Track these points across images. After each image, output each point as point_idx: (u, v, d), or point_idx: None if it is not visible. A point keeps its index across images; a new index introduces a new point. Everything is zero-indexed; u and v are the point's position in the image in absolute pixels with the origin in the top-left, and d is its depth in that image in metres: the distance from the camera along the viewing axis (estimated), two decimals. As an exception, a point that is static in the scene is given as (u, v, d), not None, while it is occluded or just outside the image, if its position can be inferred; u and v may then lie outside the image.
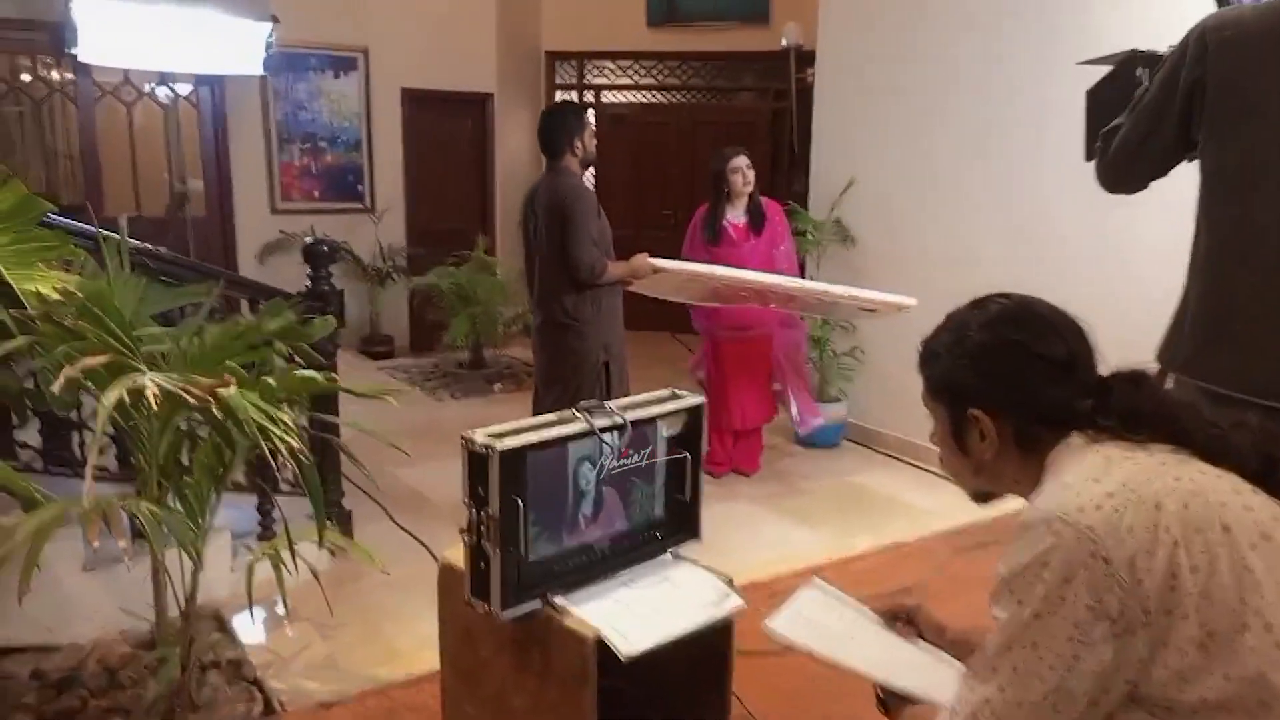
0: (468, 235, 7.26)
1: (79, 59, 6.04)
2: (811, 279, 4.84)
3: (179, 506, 2.20)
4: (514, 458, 1.56)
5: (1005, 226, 4.43)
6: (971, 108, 4.53)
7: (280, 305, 2.36)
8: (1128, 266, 3.88)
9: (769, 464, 4.70)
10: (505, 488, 1.55)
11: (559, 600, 1.60)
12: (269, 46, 6.63)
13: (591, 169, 8.93)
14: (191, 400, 1.58)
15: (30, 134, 7.06)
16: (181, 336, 2.22)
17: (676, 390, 1.91)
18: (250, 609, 2.30)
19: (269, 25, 6.55)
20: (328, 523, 3.47)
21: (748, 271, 3.81)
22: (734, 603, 1.67)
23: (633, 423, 1.71)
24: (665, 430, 1.84)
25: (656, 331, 7.04)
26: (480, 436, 1.54)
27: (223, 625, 2.84)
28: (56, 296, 1.74)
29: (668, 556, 1.83)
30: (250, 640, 2.82)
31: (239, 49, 6.53)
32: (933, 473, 4.32)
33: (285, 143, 7.45)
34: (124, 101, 6.89)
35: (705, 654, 1.80)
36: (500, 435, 1.57)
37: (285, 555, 2.38)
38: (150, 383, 1.57)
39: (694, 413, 1.87)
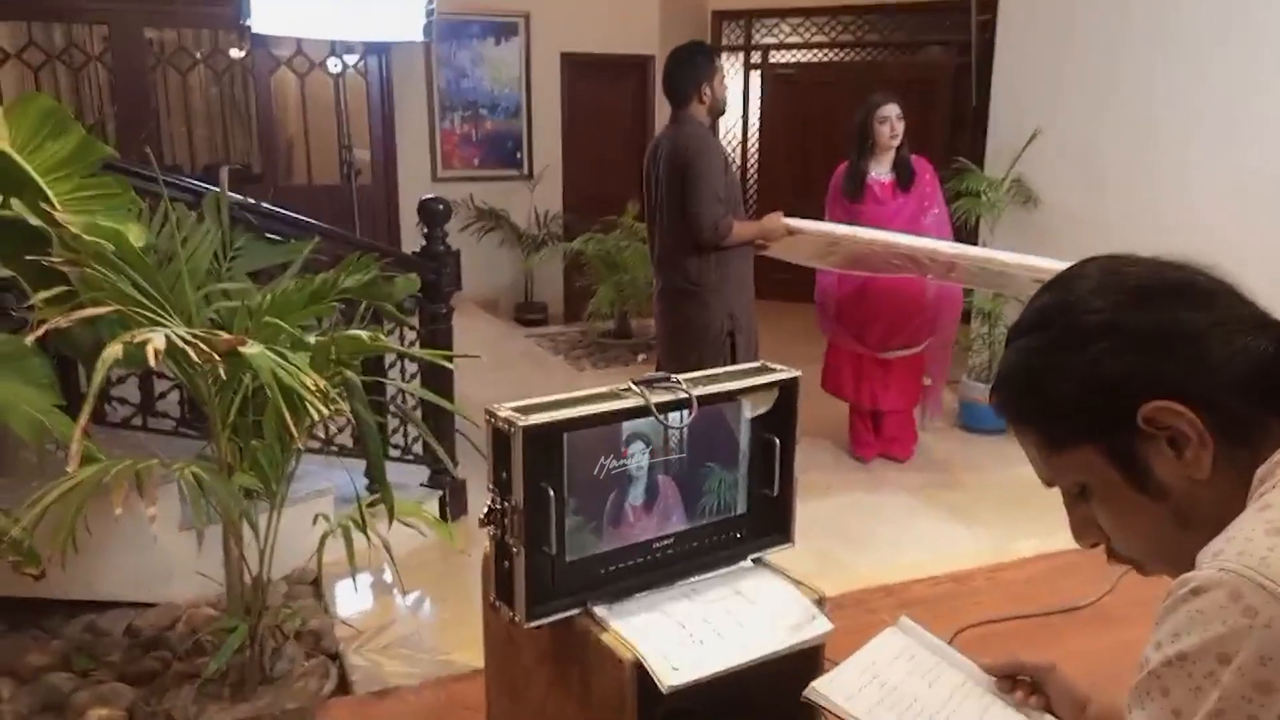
0: (626, 202, 7.09)
1: (252, 30, 6.25)
2: (984, 245, 4.30)
3: (248, 470, 2.07)
4: (544, 437, 1.28)
5: (1227, 182, 3.74)
6: (1187, 39, 3.85)
7: (363, 262, 2.19)
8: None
9: (926, 450, 4.24)
10: (532, 473, 1.27)
11: (599, 611, 1.31)
12: (430, 12, 6.65)
13: (756, 132, 8.54)
14: (195, 357, 1.42)
15: (215, 107, 7.44)
16: (262, 294, 2.10)
17: (768, 363, 1.57)
18: (319, 580, 2.17)
19: (430, -10, 6.55)
20: (436, 493, 3.37)
21: (899, 235, 3.36)
22: (819, 628, 1.34)
23: (702, 398, 1.39)
24: (750, 410, 1.50)
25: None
26: (505, 410, 1.26)
27: (319, 592, 2.76)
28: (95, 240, 1.63)
29: (747, 563, 1.50)
30: (347, 610, 2.73)
31: (401, 15, 6.57)
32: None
33: (447, 110, 7.50)
34: (297, 73, 7.12)
35: (790, 676, 1.46)
36: (530, 409, 1.29)
37: (379, 524, 2.25)
38: (159, 337, 1.42)
39: (787, 389, 1.52)
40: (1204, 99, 3.80)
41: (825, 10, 8.14)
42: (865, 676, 1.06)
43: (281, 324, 1.70)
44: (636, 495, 1.41)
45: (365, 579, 2.91)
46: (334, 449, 3.01)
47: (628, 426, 1.39)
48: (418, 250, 3.21)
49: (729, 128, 8.39)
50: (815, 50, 8.36)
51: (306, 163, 7.38)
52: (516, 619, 1.31)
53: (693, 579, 1.46)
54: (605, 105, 7.88)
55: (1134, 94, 4.07)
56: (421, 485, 3.36)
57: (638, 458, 1.40)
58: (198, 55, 6.87)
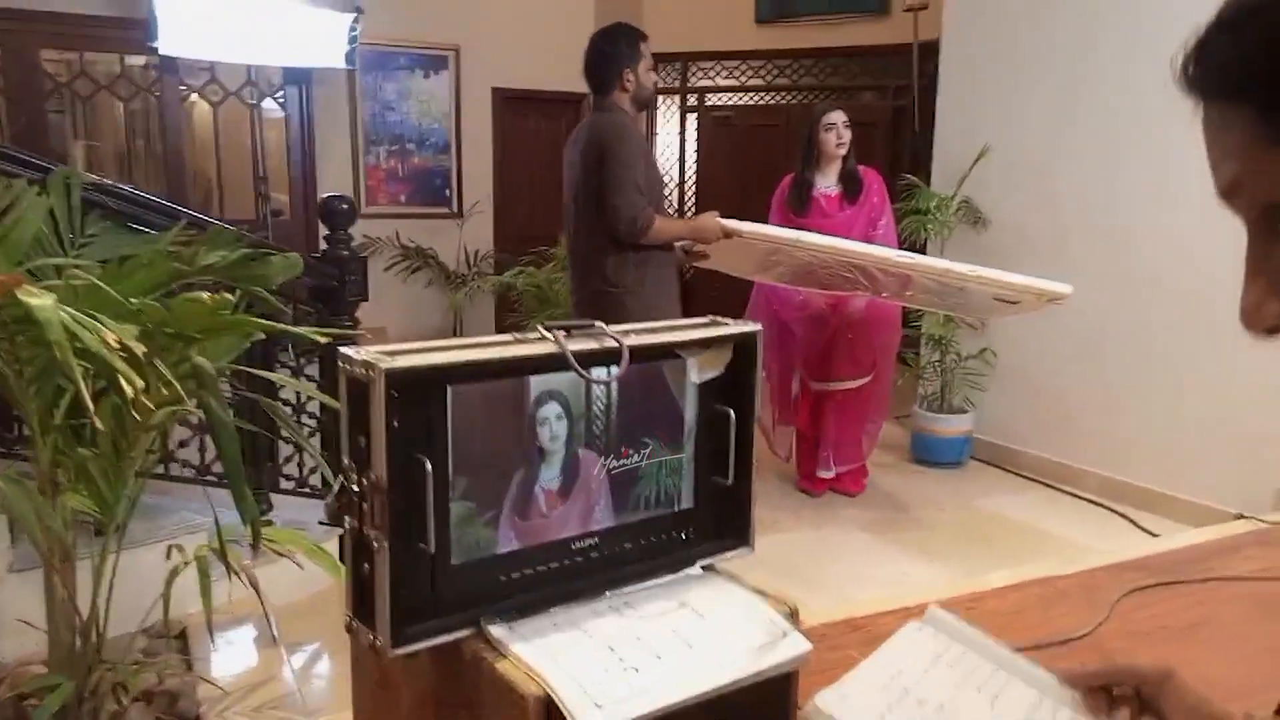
0: (559, 238, 6.82)
1: (160, 51, 5.88)
2: (934, 264, 4.09)
3: (79, 489, 1.67)
4: (418, 386, 0.93)
5: (1199, 198, 3.57)
6: (1151, 53, 3.71)
7: (228, 235, 1.83)
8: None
9: (877, 483, 3.97)
10: (401, 438, 0.92)
11: (496, 631, 0.95)
12: (353, 39, 6.38)
13: (693, 174, 8.38)
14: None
15: (122, 136, 7.01)
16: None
17: (718, 318, 1.24)
18: (165, 626, 1.76)
19: (353, 16, 6.29)
20: (337, 531, 2.96)
21: (851, 243, 3.11)
22: (794, 647, 1.00)
23: (636, 350, 1.06)
24: (697, 373, 1.17)
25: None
26: (365, 352, 0.92)
27: (185, 645, 2.32)
28: None
29: (696, 570, 1.15)
30: (219, 666, 2.30)
31: (322, 41, 6.29)
32: (1088, 500, 3.47)
33: (372, 144, 7.19)
34: (210, 101, 6.74)
35: (753, 714, 1.11)
36: (402, 352, 0.94)
37: (265, 559, 1.85)
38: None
39: (744, 346, 1.20)
40: (1175, 113, 3.65)
41: (761, 54, 8.09)
42: (889, 693, 0.73)
43: (103, 285, 1.33)
44: (550, 476, 1.06)
45: (246, 629, 2.49)
46: (211, 478, 2.60)
47: (538, 382, 1.05)
48: (317, 254, 2.86)
49: (665, 169, 8.23)
50: (752, 94, 8.29)
51: (219, 196, 6.96)
52: (379, 643, 0.96)
53: (626, 589, 1.12)
54: (538, 143, 7.64)
55: (1094, 111, 3.92)
56: (321, 523, 2.95)
57: (552, 424, 1.06)
58: (99, 83, 6.44)
